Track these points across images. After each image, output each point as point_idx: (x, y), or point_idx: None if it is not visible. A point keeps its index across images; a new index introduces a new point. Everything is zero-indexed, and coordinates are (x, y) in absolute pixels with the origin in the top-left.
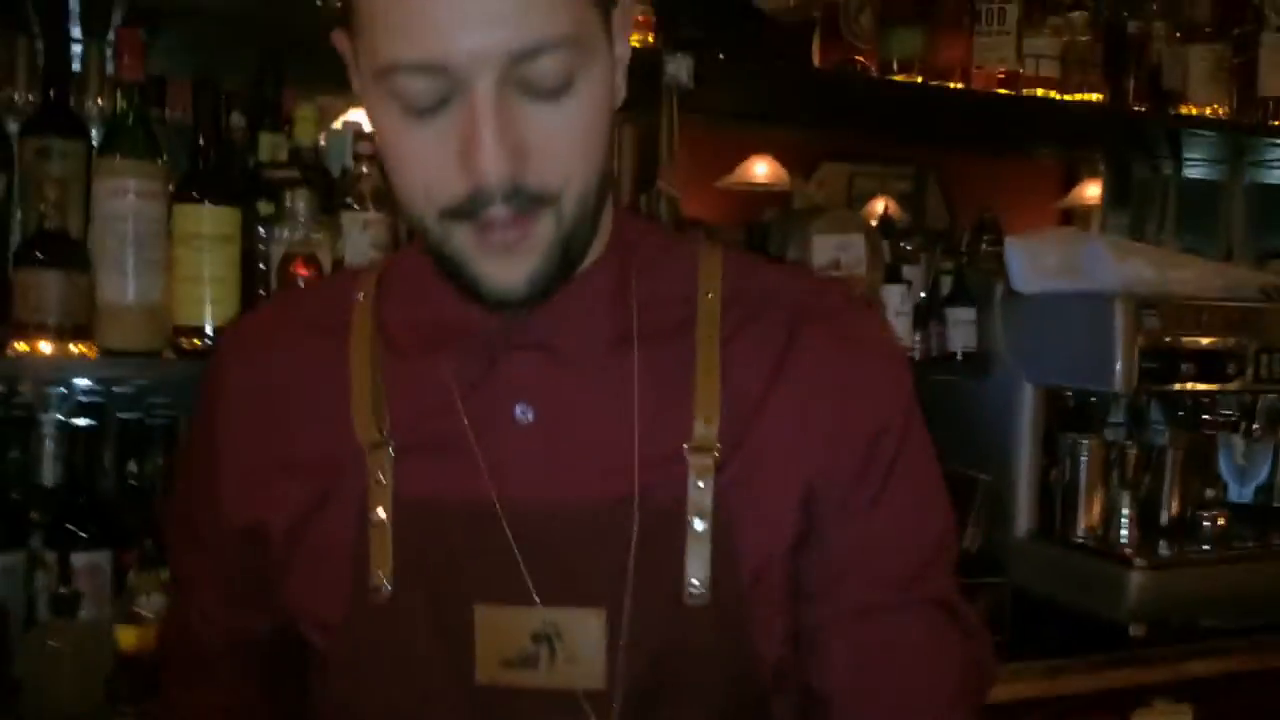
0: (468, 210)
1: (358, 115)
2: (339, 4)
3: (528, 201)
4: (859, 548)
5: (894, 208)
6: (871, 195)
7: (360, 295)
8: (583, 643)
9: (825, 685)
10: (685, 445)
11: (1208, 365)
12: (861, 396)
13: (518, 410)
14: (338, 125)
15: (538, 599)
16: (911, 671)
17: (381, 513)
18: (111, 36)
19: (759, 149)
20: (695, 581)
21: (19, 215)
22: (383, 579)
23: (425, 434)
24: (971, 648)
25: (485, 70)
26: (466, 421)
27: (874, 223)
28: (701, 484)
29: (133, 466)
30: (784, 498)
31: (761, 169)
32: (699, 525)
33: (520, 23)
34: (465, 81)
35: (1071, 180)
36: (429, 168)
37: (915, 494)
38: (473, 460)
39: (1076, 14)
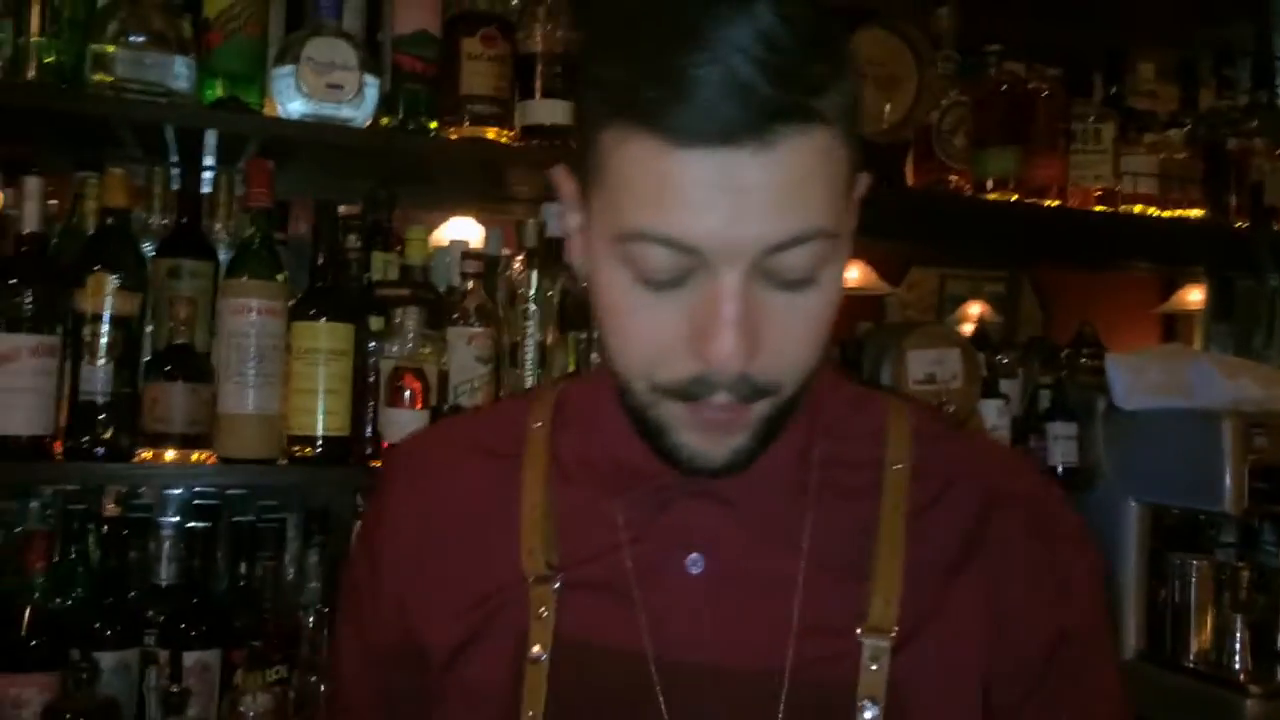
0: (690, 392)
1: (459, 230)
2: (574, 143)
3: (752, 392)
4: None
5: (988, 311)
6: (963, 299)
7: (537, 424)
8: None
9: None
10: (861, 624)
11: None
12: (1052, 593)
13: (689, 560)
14: (441, 238)
15: None
16: None
17: (540, 649)
18: (240, 164)
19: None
20: None
21: (150, 330)
22: (535, 717)
23: (590, 573)
24: None
25: (737, 259)
26: (631, 565)
27: (969, 329)
28: (875, 666)
29: (243, 568)
30: (962, 690)
31: (852, 274)
32: (869, 713)
33: (782, 215)
34: (713, 265)
35: (1171, 286)
36: (655, 342)
37: (1098, 702)
38: (633, 607)
39: (1173, 131)
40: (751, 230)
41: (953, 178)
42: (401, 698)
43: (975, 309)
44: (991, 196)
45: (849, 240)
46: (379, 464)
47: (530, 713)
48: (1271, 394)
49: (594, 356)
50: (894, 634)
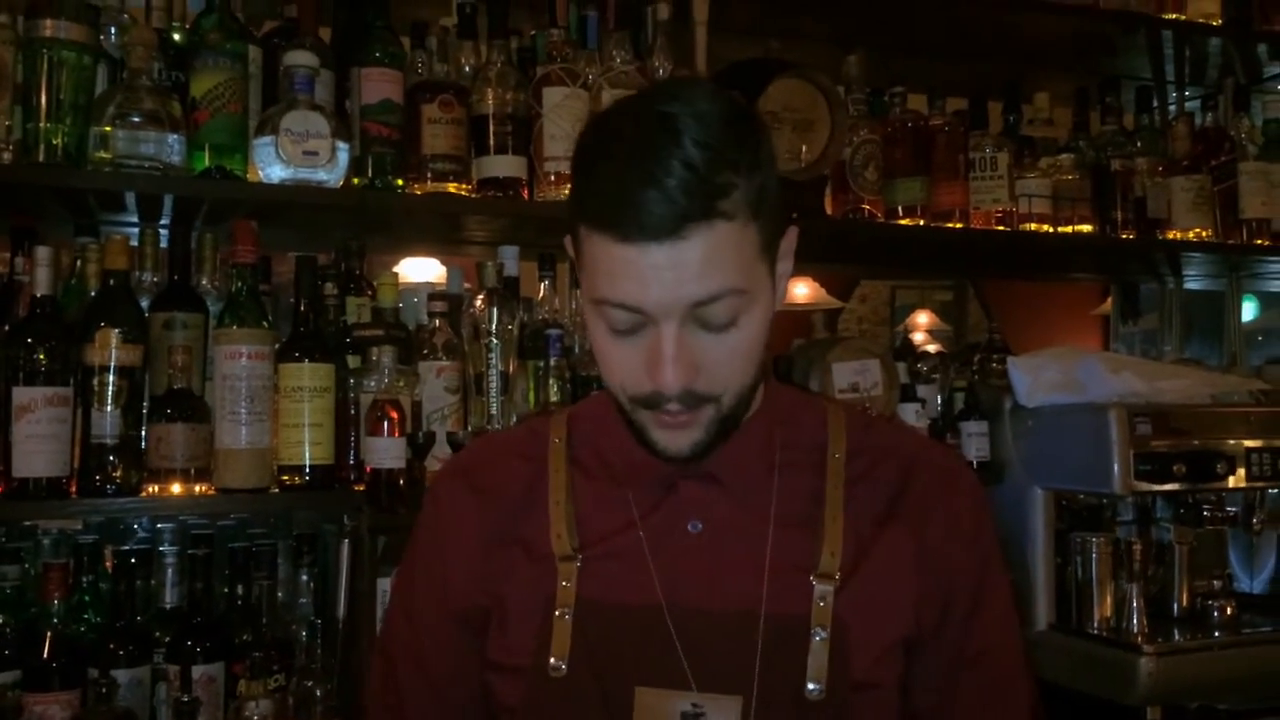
0: (650, 403)
1: (418, 266)
2: (570, 224)
3: (696, 401)
4: (964, 655)
5: (934, 320)
6: (913, 308)
7: (556, 439)
8: None
9: None
10: (813, 570)
11: (1199, 466)
12: (960, 532)
13: (690, 525)
14: (402, 271)
15: (691, 686)
16: None
17: (565, 611)
18: (226, 224)
19: (800, 273)
20: (813, 684)
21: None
22: (560, 662)
23: (611, 546)
24: None
25: (671, 314)
26: (644, 535)
27: (919, 337)
28: (823, 603)
29: (240, 589)
30: (891, 614)
31: (802, 291)
32: (818, 636)
33: (701, 281)
34: (654, 319)
35: (1108, 289)
36: (624, 370)
37: (1005, 610)
38: (648, 569)
39: (1064, 156)
40: (676, 295)
41: (866, 207)
42: (467, 651)
43: (924, 318)
44: (903, 222)
45: (770, 290)
46: (362, 488)
47: (553, 659)
48: (1154, 385)
49: (551, 382)
50: (836, 578)
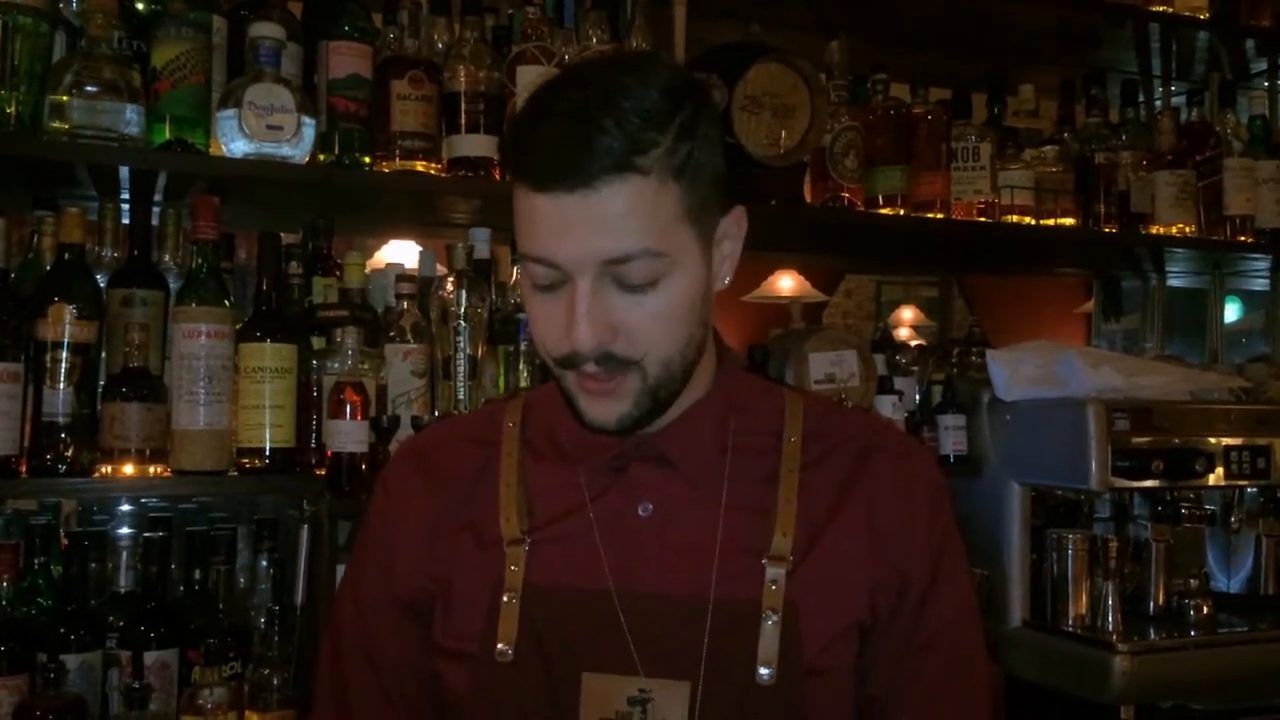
0: (570, 363)
1: (398, 251)
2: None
3: (614, 364)
4: (919, 639)
5: (919, 315)
6: (898, 303)
7: (510, 423)
8: (670, 710)
9: None
10: (764, 554)
11: (1178, 463)
12: (917, 514)
13: (640, 507)
14: (378, 259)
15: (637, 671)
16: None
17: (511, 595)
18: (188, 199)
19: (784, 265)
20: (764, 669)
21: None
22: (507, 647)
23: (558, 530)
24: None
25: (584, 269)
26: (594, 516)
27: (904, 333)
28: (774, 587)
29: (198, 574)
30: (846, 599)
31: (787, 283)
32: (769, 621)
33: (615, 237)
34: (570, 275)
35: (1092, 287)
36: (547, 328)
37: (963, 595)
38: (596, 552)
39: (1048, 148)
40: (587, 249)
41: (845, 195)
42: (415, 639)
43: (908, 314)
44: (882, 211)
45: (700, 260)
46: (323, 472)
47: (500, 645)
48: (1132, 381)
49: (522, 367)
50: (789, 561)
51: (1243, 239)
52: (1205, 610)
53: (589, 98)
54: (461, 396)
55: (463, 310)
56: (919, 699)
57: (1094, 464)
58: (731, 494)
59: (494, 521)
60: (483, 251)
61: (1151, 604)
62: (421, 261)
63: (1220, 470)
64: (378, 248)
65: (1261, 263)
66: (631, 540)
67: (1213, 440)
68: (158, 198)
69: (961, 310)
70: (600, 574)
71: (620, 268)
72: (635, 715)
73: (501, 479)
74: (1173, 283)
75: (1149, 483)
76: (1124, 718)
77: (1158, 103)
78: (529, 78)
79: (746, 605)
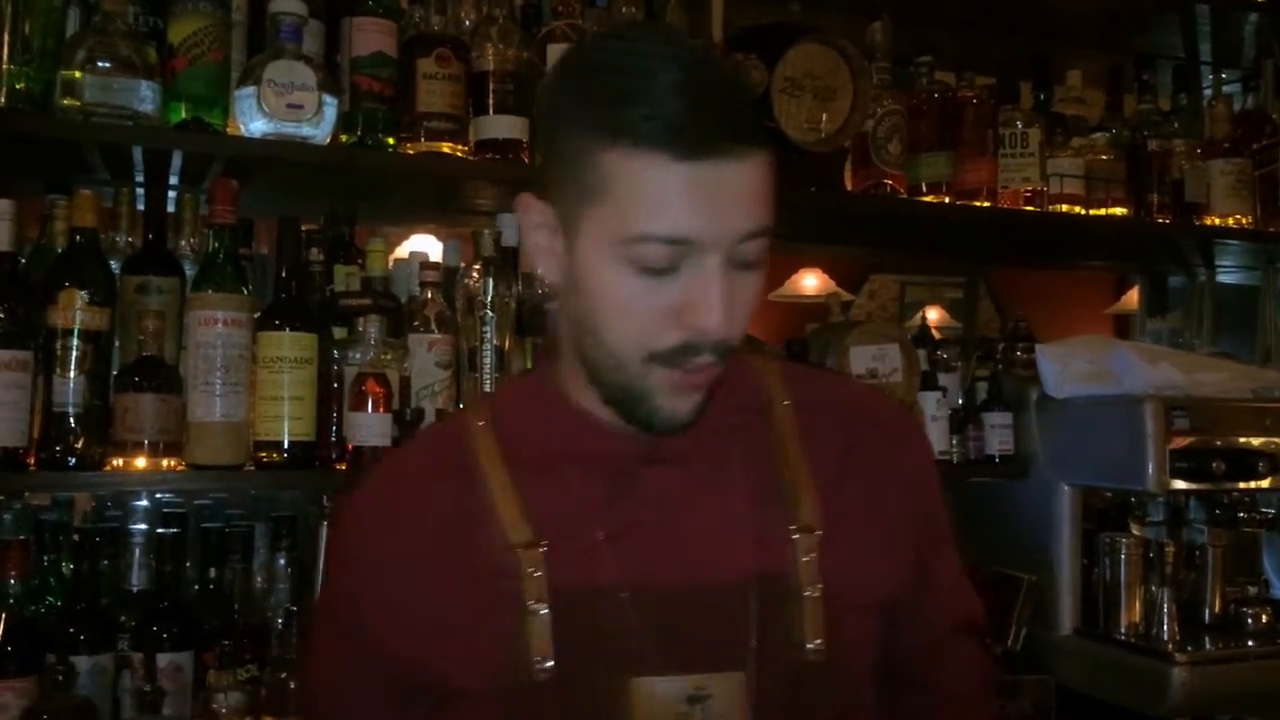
0: (675, 357)
1: (420, 244)
2: (546, 175)
3: (726, 352)
4: (937, 595)
5: (944, 316)
6: (922, 304)
7: (480, 421)
8: (729, 703)
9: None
10: (792, 527)
11: (1239, 464)
12: (915, 480)
13: (651, 504)
14: (402, 253)
15: (688, 669)
16: (985, 679)
17: (539, 602)
18: (206, 184)
19: (809, 263)
20: (812, 643)
21: (118, 344)
22: (544, 660)
23: (571, 534)
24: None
25: (721, 245)
26: (604, 519)
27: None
28: (807, 558)
29: (213, 573)
30: (877, 563)
31: (811, 281)
32: (810, 592)
33: (750, 212)
34: (701, 253)
35: (1122, 287)
36: (646, 320)
37: (953, 546)
38: (614, 552)
39: (1098, 135)
40: (732, 224)
41: (888, 182)
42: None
43: (934, 314)
44: (926, 199)
45: None
46: (344, 466)
47: (537, 659)
48: (1192, 378)
49: None
50: (817, 533)
51: None
52: (1265, 619)
53: (706, 63)
54: (489, 389)
55: (489, 299)
56: (949, 669)
57: (1151, 464)
58: (739, 471)
59: (493, 538)
60: (511, 239)
61: (1208, 612)
62: (446, 251)
63: None
64: (400, 241)
65: None
66: (650, 537)
67: (1276, 440)
68: (174, 181)
69: (987, 310)
70: (626, 571)
71: (744, 246)
72: (696, 715)
73: (495, 496)
74: (1223, 278)
75: (1208, 485)
76: None
77: (1207, 90)
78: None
79: (785, 580)
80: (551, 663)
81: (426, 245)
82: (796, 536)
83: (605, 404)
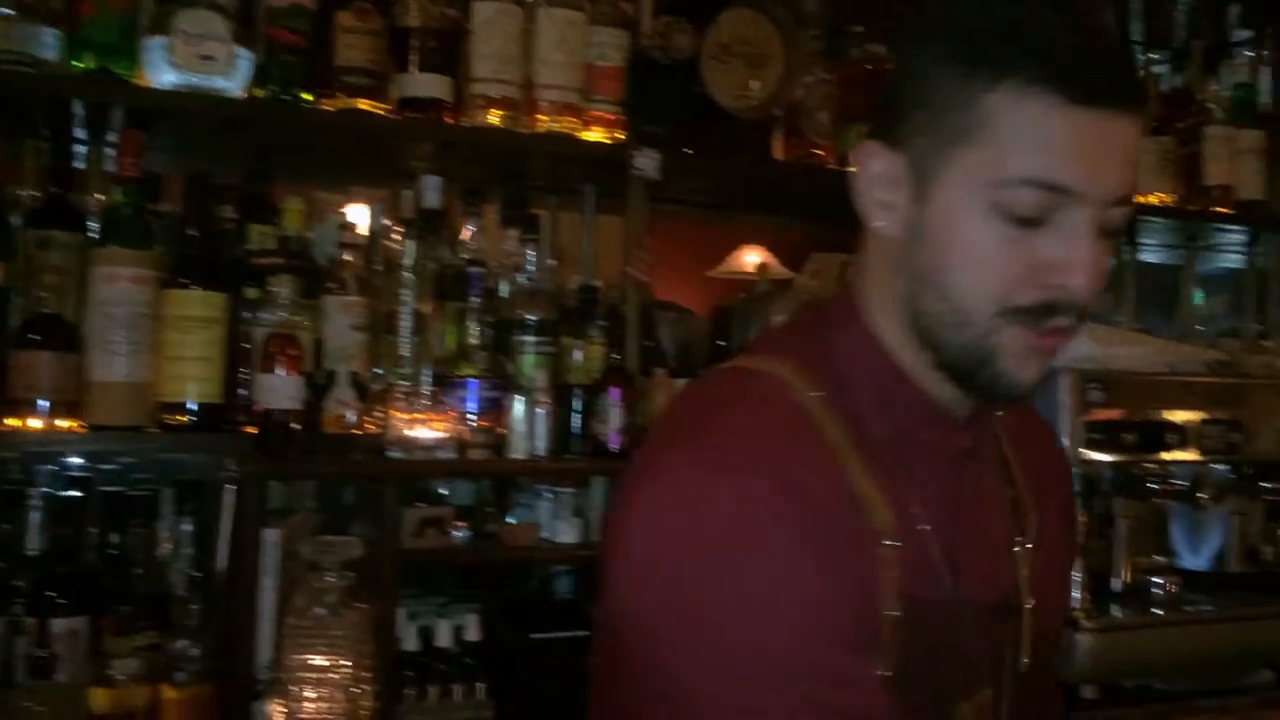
0: (1035, 315)
1: (348, 210)
2: (889, 121)
3: (1082, 316)
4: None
5: None
6: None
7: (814, 393)
8: None
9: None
10: (1018, 538)
11: (1151, 437)
12: (1072, 501)
13: (965, 502)
14: (338, 220)
15: (977, 685)
16: None
17: (893, 608)
18: (112, 137)
19: (749, 239)
20: (1026, 657)
21: (17, 301)
22: (884, 671)
23: (909, 531)
24: None
25: (1097, 204)
26: (934, 516)
27: None
28: (1026, 571)
29: (114, 537)
30: (1065, 578)
31: (753, 258)
32: (1029, 604)
33: (1128, 173)
34: (1079, 206)
35: None
36: (1008, 271)
37: None
38: (942, 557)
39: None
40: (1112, 180)
41: (818, 152)
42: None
43: None
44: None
45: None
46: (252, 429)
47: (880, 673)
48: (1109, 351)
49: (470, 324)
50: (1029, 546)
51: (1221, 210)
52: (1171, 588)
53: (1092, 8)
54: (405, 353)
55: (410, 262)
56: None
57: (1066, 436)
58: (995, 475)
59: (857, 518)
60: (433, 201)
61: (1117, 582)
62: (372, 214)
63: (1193, 445)
64: (335, 209)
65: (1237, 235)
66: (960, 541)
67: (1187, 415)
68: (83, 135)
69: None
70: (946, 581)
71: (1113, 210)
72: None
73: (850, 467)
74: (1145, 257)
75: (1120, 457)
76: (1087, 697)
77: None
78: (486, 14)
79: (1017, 594)
80: (891, 673)
81: (359, 215)
82: (1017, 549)
83: (938, 368)
